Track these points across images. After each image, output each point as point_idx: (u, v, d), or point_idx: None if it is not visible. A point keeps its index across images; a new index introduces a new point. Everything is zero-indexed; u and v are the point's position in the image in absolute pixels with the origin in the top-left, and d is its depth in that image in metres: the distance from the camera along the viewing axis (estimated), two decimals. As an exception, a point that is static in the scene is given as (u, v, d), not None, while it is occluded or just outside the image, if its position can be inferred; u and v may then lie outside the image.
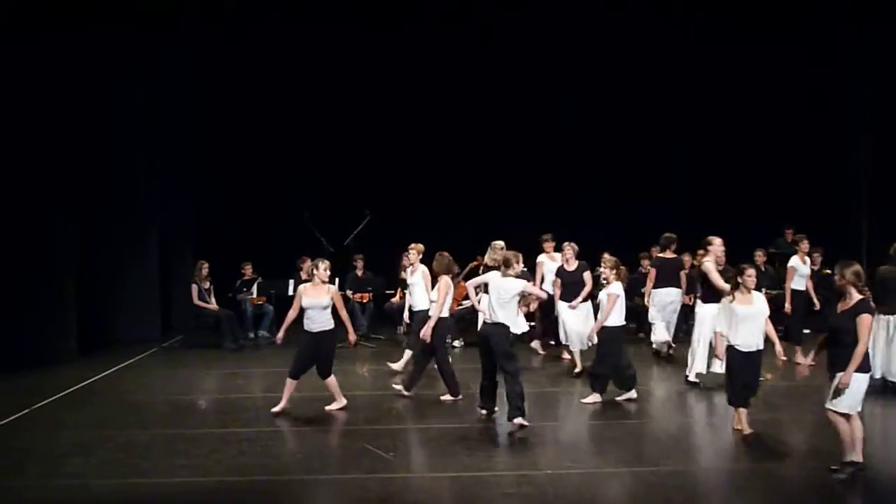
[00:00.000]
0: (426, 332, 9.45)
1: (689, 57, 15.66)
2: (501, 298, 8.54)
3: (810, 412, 8.54)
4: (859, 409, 6.72)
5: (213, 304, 13.66)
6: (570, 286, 11.23)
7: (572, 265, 11.34)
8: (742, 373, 7.81)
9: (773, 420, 8.50)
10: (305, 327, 8.90)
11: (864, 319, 6.55)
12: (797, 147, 15.77)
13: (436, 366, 9.77)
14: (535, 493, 6.53)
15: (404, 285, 14.36)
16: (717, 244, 9.81)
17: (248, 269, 14.32)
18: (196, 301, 13.55)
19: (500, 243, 10.72)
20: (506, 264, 8.73)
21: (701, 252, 9.96)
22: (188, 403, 9.81)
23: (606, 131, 15.95)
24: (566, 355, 11.58)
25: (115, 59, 13.51)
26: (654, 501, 6.55)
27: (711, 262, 9.69)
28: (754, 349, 7.84)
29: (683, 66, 15.72)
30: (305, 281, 13.84)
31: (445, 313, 9.79)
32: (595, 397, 9.21)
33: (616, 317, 9.20)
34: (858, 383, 6.60)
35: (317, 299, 8.87)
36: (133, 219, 13.86)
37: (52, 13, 11.89)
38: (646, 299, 11.74)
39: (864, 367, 6.64)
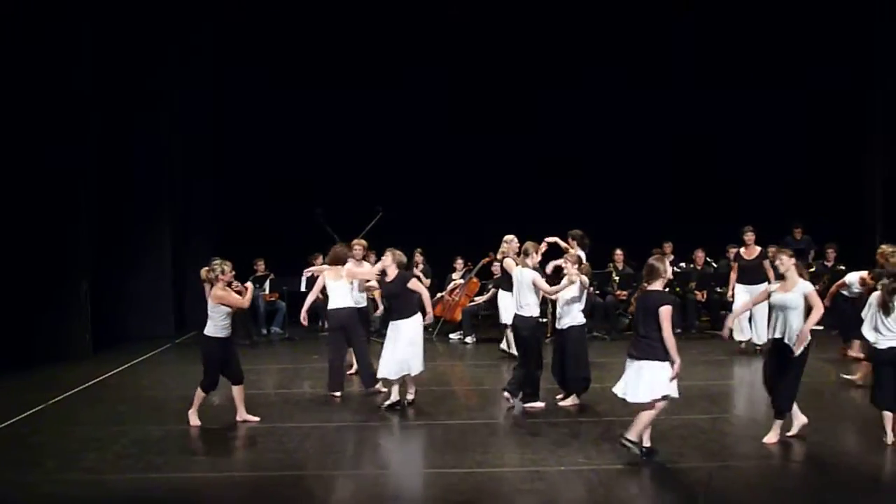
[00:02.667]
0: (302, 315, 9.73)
1: (699, 47, 15.61)
2: (520, 288, 8.73)
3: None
4: None
5: (226, 301, 13.69)
6: None
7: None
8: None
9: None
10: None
11: None
12: (810, 144, 15.68)
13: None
14: (548, 490, 6.53)
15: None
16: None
17: (261, 266, 14.36)
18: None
19: (512, 237, 10.70)
20: (524, 253, 8.88)
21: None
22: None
23: (611, 130, 15.88)
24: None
25: (134, 57, 13.59)
26: (667, 497, 6.55)
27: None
28: None
29: (693, 57, 15.66)
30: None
31: (360, 303, 9.97)
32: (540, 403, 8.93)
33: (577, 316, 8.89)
34: None
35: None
36: (146, 216, 13.92)
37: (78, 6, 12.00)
38: (729, 293, 12.09)
39: None
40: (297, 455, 7.60)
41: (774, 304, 7.47)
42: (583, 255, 10.14)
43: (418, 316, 8.89)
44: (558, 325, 9.03)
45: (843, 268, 13.20)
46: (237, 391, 8.48)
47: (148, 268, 13.94)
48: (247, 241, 14.83)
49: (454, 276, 13.98)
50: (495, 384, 10.31)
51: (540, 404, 8.92)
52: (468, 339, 13.18)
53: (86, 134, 12.29)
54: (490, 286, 13.53)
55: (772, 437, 7.49)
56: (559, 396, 9.08)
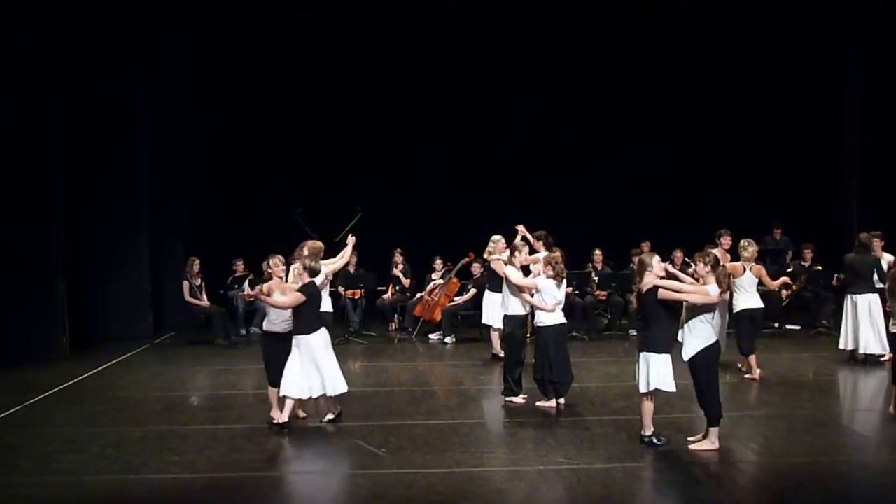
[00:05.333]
0: None
1: (685, 49, 15.73)
2: (508, 286, 8.89)
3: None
4: None
5: (204, 301, 13.65)
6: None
7: None
8: None
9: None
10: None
11: None
12: (787, 144, 15.84)
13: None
14: (528, 489, 6.56)
15: (396, 282, 14.45)
16: None
17: (240, 266, 14.29)
18: (187, 298, 13.53)
19: (499, 237, 10.75)
20: (511, 251, 9.05)
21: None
22: (180, 400, 9.81)
23: (590, 129, 15.95)
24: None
25: (110, 56, 13.49)
26: (646, 497, 6.60)
27: None
28: None
29: (678, 58, 15.77)
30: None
31: None
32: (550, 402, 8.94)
33: (555, 315, 8.82)
34: None
35: None
36: (124, 216, 13.79)
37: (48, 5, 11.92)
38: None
39: None
40: (276, 456, 7.59)
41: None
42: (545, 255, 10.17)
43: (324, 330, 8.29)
44: (536, 323, 9.02)
45: (819, 268, 13.35)
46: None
47: (126, 268, 13.82)
48: (226, 240, 14.78)
49: (434, 276, 13.99)
50: (475, 384, 10.37)
51: (519, 400, 9.03)
52: (448, 340, 13.19)
53: (59, 135, 12.16)
54: (469, 286, 13.55)
55: (705, 445, 7.40)
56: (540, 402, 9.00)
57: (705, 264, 7.42)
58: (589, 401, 9.17)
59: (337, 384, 8.20)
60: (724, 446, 7.39)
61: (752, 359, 10.14)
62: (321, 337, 8.13)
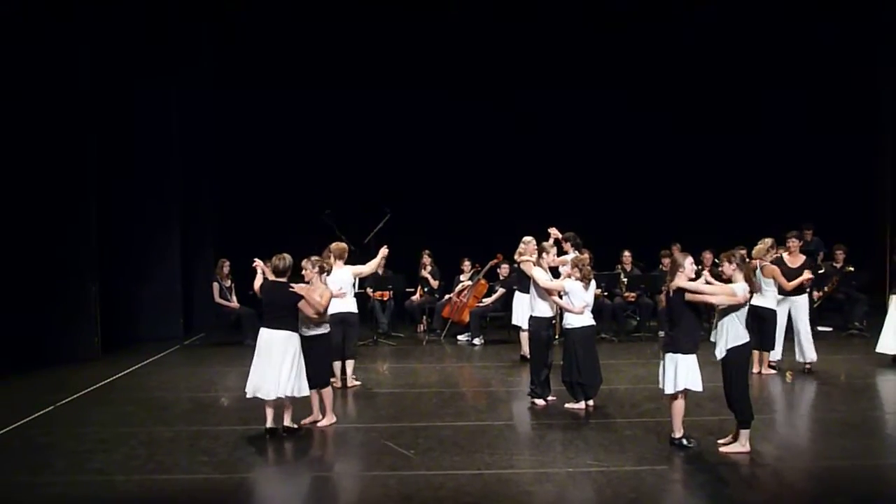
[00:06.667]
0: None
1: (712, 46, 15.62)
2: (535, 288, 8.86)
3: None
4: None
5: (234, 302, 13.75)
6: None
7: None
8: None
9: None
10: None
11: None
12: (820, 145, 15.67)
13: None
14: (556, 491, 6.53)
15: (425, 283, 14.45)
16: None
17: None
18: (217, 299, 13.64)
19: (530, 238, 10.75)
20: (539, 252, 9.10)
21: None
22: (210, 400, 9.87)
23: (618, 130, 15.89)
24: None
25: (141, 59, 13.63)
26: (675, 500, 6.54)
27: None
28: None
29: (707, 55, 15.67)
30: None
31: None
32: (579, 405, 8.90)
33: (583, 317, 8.80)
34: None
35: None
36: (154, 218, 13.93)
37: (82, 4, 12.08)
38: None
39: None
40: (305, 457, 7.62)
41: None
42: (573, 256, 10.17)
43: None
44: (564, 325, 9.02)
45: (851, 269, 13.19)
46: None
47: (157, 270, 13.95)
48: (255, 243, 14.82)
49: (462, 277, 13.98)
50: (503, 386, 10.34)
51: (542, 402, 9.02)
52: (476, 341, 13.18)
53: (91, 138, 12.29)
54: (497, 287, 13.52)
55: (735, 447, 7.35)
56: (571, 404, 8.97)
57: (730, 262, 7.41)
58: (618, 403, 9.12)
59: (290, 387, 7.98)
60: (753, 448, 7.33)
61: (762, 354, 10.20)
62: (279, 336, 7.99)
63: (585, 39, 15.69)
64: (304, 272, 8.48)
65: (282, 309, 8.04)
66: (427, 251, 14.51)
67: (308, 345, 8.21)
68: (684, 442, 7.39)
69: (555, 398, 9.09)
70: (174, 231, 14.23)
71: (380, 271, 13.62)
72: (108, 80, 12.96)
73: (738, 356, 7.27)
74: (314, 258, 8.57)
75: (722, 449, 7.35)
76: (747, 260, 7.71)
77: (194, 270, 14.77)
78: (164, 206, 14.06)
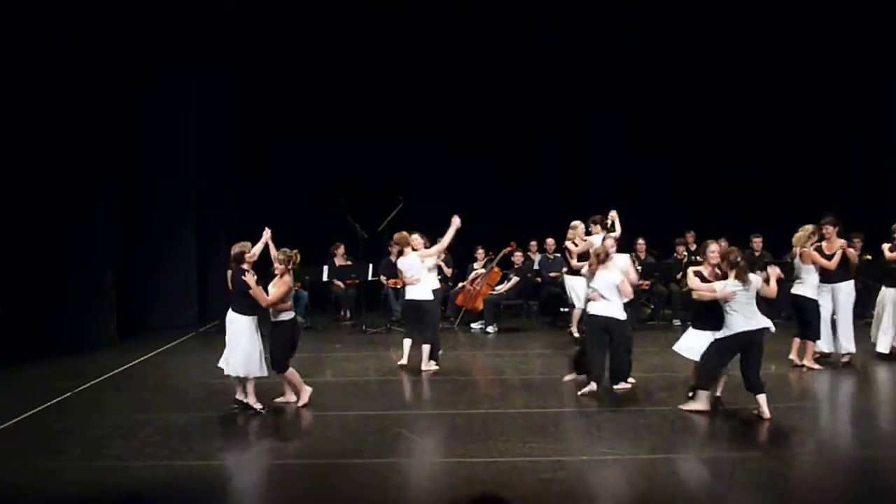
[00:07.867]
0: None
1: (725, 40, 15.50)
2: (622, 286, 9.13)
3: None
4: None
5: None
6: None
7: None
8: None
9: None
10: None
11: None
12: (836, 131, 15.55)
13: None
14: (570, 479, 6.52)
15: (438, 271, 14.41)
16: None
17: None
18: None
19: (578, 222, 10.86)
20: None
21: None
22: (224, 387, 9.85)
23: (633, 119, 15.82)
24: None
25: (158, 52, 13.65)
26: (691, 488, 6.53)
27: None
28: None
29: (721, 49, 15.56)
30: (341, 267, 13.95)
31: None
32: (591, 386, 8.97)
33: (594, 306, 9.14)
34: None
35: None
36: (170, 206, 14.00)
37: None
38: None
39: None
40: (318, 443, 7.64)
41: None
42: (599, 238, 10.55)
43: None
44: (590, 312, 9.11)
45: (868, 257, 13.08)
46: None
47: (172, 259, 14.03)
48: (271, 231, 14.88)
49: (475, 265, 13.97)
50: (517, 374, 10.35)
51: (591, 387, 8.90)
52: (490, 329, 13.18)
53: (106, 126, 12.34)
54: (511, 275, 13.52)
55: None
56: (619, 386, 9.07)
57: (723, 260, 8.02)
58: (632, 391, 9.10)
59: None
60: (773, 437, 7.31)
61: (802, 343, 10.05)
62: (232, 317, 8.45)
63: (605, 32, 15.60)
64: (274, 265, 8.67)
65: (237, 294, 8.43)
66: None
67: (272, 330, 8.50)
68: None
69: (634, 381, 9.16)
70: (190, 219, 14.29)
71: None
72: (126, 68, 13.00)
73: (722, 343, 7.92)
74: (286, 250, 8.80)
75: (681, 406, 8.12)
76: (739, 260, 7.93)
77: (209, 258, 14.82)
78: (180, 195, 14.12)
